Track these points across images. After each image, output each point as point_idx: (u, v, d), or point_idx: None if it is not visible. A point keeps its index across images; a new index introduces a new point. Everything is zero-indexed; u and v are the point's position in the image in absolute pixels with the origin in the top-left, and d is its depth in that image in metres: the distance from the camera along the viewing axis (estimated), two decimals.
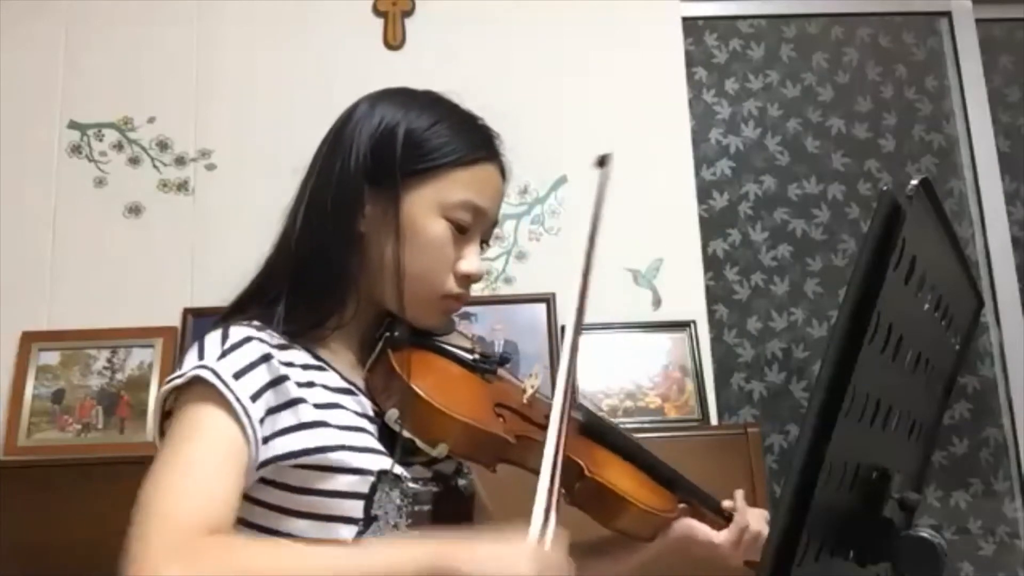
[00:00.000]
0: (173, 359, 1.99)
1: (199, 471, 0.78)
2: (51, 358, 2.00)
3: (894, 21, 2.56)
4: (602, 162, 0.97)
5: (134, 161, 2.16)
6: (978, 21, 2.53)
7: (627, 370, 2.06)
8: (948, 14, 2.54)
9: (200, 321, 2.00)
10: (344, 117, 0.98)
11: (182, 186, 2.15)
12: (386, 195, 0.92)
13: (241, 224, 2.08)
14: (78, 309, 2.04)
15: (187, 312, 2.03)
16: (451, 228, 0.93)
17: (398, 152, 0.92)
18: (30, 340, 2.01)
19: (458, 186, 0.93)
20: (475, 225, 0.96)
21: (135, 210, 2.13)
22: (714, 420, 2.07)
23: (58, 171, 2.14)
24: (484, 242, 1.00)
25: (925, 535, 0.63)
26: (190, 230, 2.12)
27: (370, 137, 0.93)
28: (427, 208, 0.93)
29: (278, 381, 0.85)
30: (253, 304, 0.94)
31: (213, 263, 2.08)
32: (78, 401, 1.97)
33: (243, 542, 0.79)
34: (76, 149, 2.15)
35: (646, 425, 2.00)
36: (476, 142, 0.96)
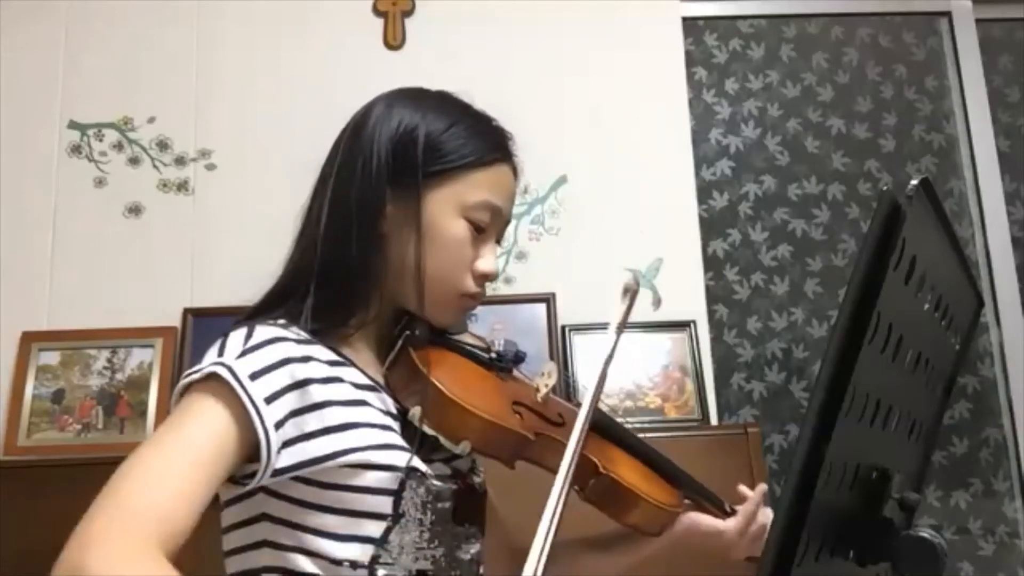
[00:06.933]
0: (173, 359, 1.99)
1: (176, 461, 0.77)
2: (51, 358, 2.00)
3: (894, 21, 2.56)
4: (626, 291, 1.04)
5: (134, 161, 2.15)
6: (978, 21, 2.53)
7: (627, 370, 2.06)
8: (948, 14, 2.54)
9: (200, 321, 2.00)
10: (360, 118, 0.99)
11: (182, 186, 2.15)
12: (407, 196, 0.94)
13: (241, 224, 2.09)
14: (78, 309, 2.04)
15: (187, 312, 2.02)
16: (470, 228, 0.95)
17: (419, 155, 0.93)
18: (30, 340, 2.01)
19: (476, 187, 0.95)
20: (492, 225, 0.98)
21: (135, 210, 2.13)
22: (714, 420, 2.07)
23: (58, 171, 2.14)
24: (496, 241, 1.01)
25: (925, 535, 0.62)
26: (190, 230, 2.11)
27: (390, 139, 0.94)
28: (447, 208, 0.94)
29: (301, 384, 0.85)
30: (278, 304, 0.95)
31: (213, 263, 2.07)
32: (78, 401, 1.97)
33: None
34: (76, 149, 2.15)
35: (646, 425, 2.00)
36: (492, 143, 0.98)
